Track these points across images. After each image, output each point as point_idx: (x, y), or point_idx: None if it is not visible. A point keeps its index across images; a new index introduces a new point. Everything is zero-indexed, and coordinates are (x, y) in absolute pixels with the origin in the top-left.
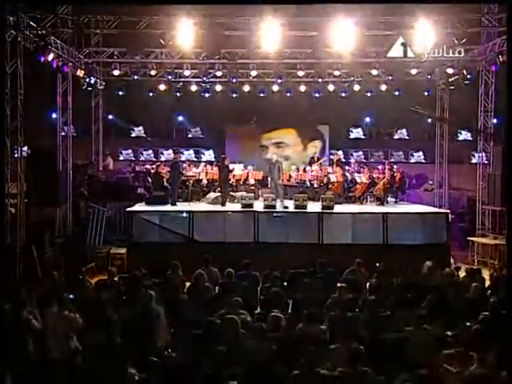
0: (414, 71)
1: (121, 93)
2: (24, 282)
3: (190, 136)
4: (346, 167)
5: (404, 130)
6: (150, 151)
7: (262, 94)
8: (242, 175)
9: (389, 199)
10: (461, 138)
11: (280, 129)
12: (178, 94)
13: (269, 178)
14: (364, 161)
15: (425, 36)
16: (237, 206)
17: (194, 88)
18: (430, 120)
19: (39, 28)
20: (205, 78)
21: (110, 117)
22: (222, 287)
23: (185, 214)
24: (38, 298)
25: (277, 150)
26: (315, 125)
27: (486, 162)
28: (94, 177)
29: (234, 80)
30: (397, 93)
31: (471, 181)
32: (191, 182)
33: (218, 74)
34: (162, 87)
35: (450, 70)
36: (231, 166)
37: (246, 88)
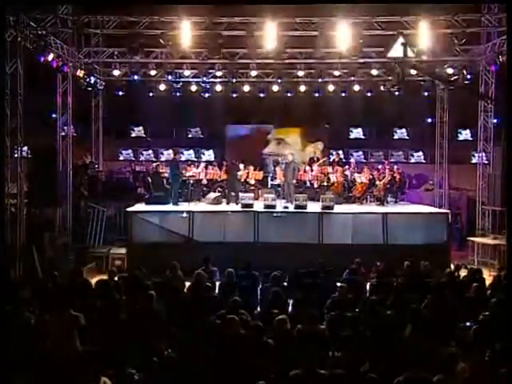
0: (413, 71)
1: (121, 93)
2: (25, 283)
3: (190, 136)
4: (346, 167)
5: (404, 130)
6: (150, 151)
7: (262, 94)
8: (242, 175)
9: (389, 199)
10: (461, 138)
11: (288, 127)
12: (177, 94)
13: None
14: (364, 161)
15: (424, 36)
16: (237, 206)
17: (194, 88)
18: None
19: (39, 28)
20: (205, 78)
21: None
22: (221, 287)
23: (185, 214)
24: (40, 298)
25: (275, 147)
26: (320, 125)
27: (485, 162)
28: (94, 177)
29: (234, 80)
30: (397, 93)
31: (471, 181)
32: (191, 181)
33: (218, 73)
34: (162, 87)
35: (450, 70)
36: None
37: (246, 88)
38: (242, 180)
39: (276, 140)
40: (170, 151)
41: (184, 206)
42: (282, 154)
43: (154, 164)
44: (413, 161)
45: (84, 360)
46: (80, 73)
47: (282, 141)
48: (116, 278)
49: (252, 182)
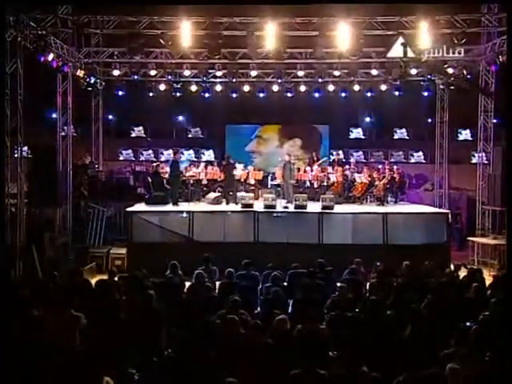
0: (413, 71)
1: (121, 93)
2: (25, 283)
3: (190, 136)
4: (346, 167)
5: (404, 130)
6: (150, 151)
7: (262, 94)
8: (242, 175)
9: (389, 199)
10: (461, 138)
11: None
12: (178, 94)
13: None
14: (364, 161)
15: (425, 36)
16: (237, 206)
17: (194, 88)
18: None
19: (39, 28)
20: (205, 78)
21: (110, 117)
22: (221, 287)
23: (185, 214)
24: (41, 298)
25: (255, 145)
26: (309, 124)
27: (485, 162)
28: (94, 177)
29: (234, 80)
30: (397, 93)
31: (471, 181)
32: (191, 181)
33: (218, 73)
34: (162, 87)
35: (450, 70)
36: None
37: (246, 88)
38: (242, 180)
39: (256, 138)
40: (170, 151)
41: (184, 206)
42: (261, 151)
43: (154, 164)
44: (413, 161)
45: (84, 360)
46: (80, 73)
47: (259, 138)
48: (116, 278)
49: (252, 182)
